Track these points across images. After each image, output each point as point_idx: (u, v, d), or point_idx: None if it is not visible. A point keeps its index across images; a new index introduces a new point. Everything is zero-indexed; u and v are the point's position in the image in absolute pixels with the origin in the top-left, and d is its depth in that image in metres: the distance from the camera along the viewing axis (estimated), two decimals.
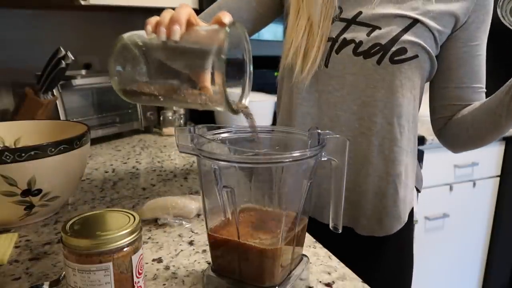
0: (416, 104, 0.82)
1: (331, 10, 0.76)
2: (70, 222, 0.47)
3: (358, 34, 0.75)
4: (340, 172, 0.54)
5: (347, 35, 0.75)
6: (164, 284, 0.58)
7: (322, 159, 0.53)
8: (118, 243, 0.45)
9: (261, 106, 1.54)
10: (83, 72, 1.55)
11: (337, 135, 0.53)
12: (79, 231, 0.46)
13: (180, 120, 1.59)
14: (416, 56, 0.73)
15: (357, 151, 0.79)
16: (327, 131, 0.54)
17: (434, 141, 1.65)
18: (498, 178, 1.89)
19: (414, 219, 1.60)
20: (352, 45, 0.75)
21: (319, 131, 0.53)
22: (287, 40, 0.79)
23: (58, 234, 0.73)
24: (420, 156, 1.65)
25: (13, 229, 0.75)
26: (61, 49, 1.13)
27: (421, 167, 1.62)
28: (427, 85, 0.87)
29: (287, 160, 0.48)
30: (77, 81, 1.34)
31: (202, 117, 1.75)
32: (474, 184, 1.83)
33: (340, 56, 0.76)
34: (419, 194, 0.93)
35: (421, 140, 1.64)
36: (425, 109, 2.21)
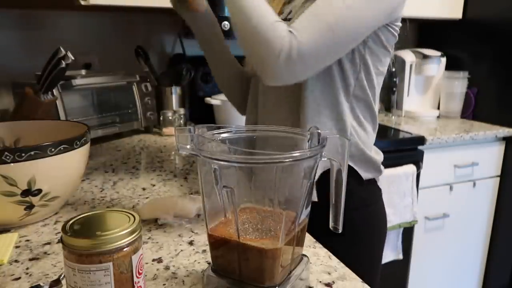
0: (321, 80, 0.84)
1: None
2: (70, 222, 0.47)
3: None
4: (340, 172, 0.54)
5: None
6: (164, 284, 0.58)
7: (322, 159, 0.53)
8: (118, 243, 0.45)
9: None
10: (83, 72, 1.55)
11: (337, 135, 0.53)
12: (79, 231, 0.45)
13: (180, 120, 1.59)
14: None
15: None
16: (327, 131, 0.54)
17: (434, 141, 1.65)
18: (498, 178, 1.89)
19: (414, 219, 1.61)
20: None
21: (319, 131, 0.53)
22: None
23: (58, 234, 0.73)
24: (420, 156, 1.66)
25: (13, 229, 0.75)
26: (61, 49, 1.13)
27: (421, 167, 1.63)
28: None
29: (287, 160, 0.48)
30: (77, 81, 1.33)
31: (202, 117, 1.75)
32: (474, 184, 1.83)
33: None
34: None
35: (421, 140, 1.64)
36: (425, 109, 2.21)
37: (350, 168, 0.86)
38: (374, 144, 0.94)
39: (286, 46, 0.69)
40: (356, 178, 0.87)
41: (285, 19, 0.85)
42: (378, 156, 0.92)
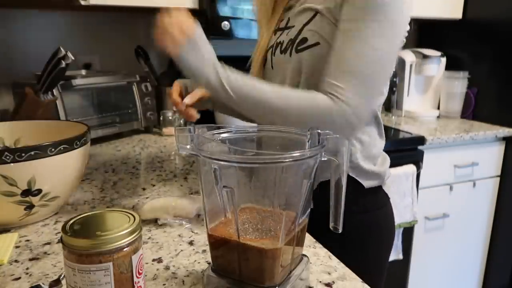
0: None
1: (273, 24, 0.90)
2: (70, 222, 0.47)
3: (282, 36, 0.86)
4: (340, 172, 0.54)
5: (278, 40, 0.88)
6: (164, 284, 0.58)
7: (322, 159, 0.53)
8: (118, 243, 0.45)
9: None
10: (83, 72, 1.55)
11: (337, 135, 0.53)
12: (79, 231, 0.46)
13: (180, 120, 1.59)
14: (317, 44, 0.77)
15: None
16: (327, 131, 0.54)
17: (434, 141, 1.65)
18: (498, 178, 1.89)
19: (414, 219, 1.61)
20: (279, 46, 0.87)
21: (319, 131, 0.53)
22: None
23: (58, 234, 0.73)
24: (420, 156, 1.66)
25: (13, 229, 0.75)
26: (61, 49, 1.13)
27: (421, 167, 1.63)
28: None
29: (287, 160, 0.48)
30: (77, 81, 1.34)
31: (202, 117, 1.74)
32: (474, 184, 1.83)
33: (275, 58, 0.89)
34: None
35: (421, 140, 1.64)
36: (425, 109, 2.21)
37: (349, 178, 0.83)
38: None
39: (340, 115, 0.70)
40: (356, 187, 0.85)
41: (285, 28, 0.86)
42: (382, 167, 0.89)
